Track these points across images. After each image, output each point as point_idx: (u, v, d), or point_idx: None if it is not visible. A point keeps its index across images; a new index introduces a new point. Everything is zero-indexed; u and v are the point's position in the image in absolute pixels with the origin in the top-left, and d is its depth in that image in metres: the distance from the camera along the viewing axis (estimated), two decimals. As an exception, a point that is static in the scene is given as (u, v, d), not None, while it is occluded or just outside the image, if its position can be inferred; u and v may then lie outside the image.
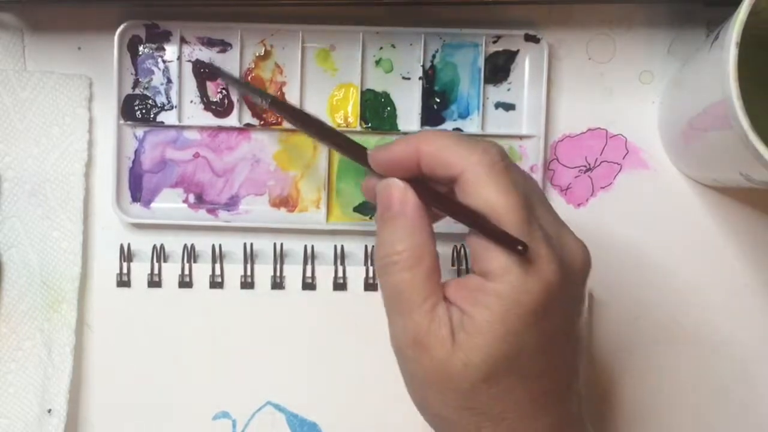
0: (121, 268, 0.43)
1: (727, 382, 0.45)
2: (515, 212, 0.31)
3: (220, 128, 0.45)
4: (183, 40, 0.44)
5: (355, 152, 0.36)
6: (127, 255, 0.43)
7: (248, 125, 0.44)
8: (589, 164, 0.45)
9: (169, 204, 0.45)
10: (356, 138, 0.44)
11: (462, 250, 0.43)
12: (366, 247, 0.44)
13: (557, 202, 0.45)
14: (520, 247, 0.30)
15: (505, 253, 0.30)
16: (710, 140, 0.39)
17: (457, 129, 0.45)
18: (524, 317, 0.30)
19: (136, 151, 0.44)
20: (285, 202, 0.45)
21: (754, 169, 0.36)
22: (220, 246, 0.44)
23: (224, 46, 0.44)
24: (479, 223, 0.31)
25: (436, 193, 0.33)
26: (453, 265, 0.43)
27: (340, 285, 0.43)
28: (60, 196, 0.44)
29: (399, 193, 0.33)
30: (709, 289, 0.45)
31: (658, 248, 0.45)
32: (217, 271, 0.43)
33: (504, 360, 0.30)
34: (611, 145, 0.45)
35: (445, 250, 0.44)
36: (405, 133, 0.44)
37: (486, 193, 0.31)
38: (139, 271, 0.43)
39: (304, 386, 0.44)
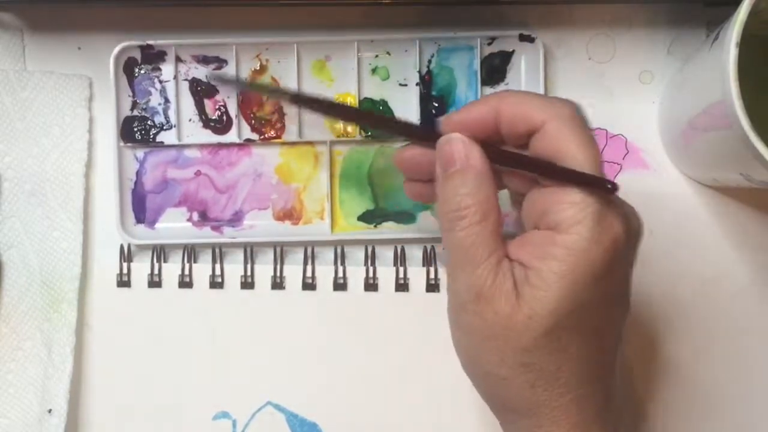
0: (121, 268, 0.43)
1: (728, 382, 0.45)
2: (595, 165, 0.31)
3: (220, 145, 0.45)
4: (178, 59, 0.44)
5: (401, 127, 0.36)
6: (127, 255, 0.44)
7: (248, 140, 0.44)
8: (589, 164, 0.45)
9: (174, 223, 0.45)
10: (356, 147, 0.44)
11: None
12: (366, 248, 0.44)
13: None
14: (609, 186, 0.30)
15: (576, 205, 0.30)
16: (710, 140, 0.39)
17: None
18: (591, 270, 0.30)
19: (137, 173, 0.44)
20: (289, 214, 0.45)
21: (754, 169, 0.36)
22: (220, 246, 0.44)
23: (220, 62, 0.44)
24: (557, 170, 0.31)
25: (502, 150, 0.33)
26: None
27: (340, 285, 0.43)
28: (60, 196, 0.44)
29: (463, 147, 0.33)
30: (709, 290, 0.45)
31: (658, 248, 0.45)
32: (217, 271, 0.43)
33: (567, 314, 0.31)
34: (611, 145, 0.45)
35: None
36: (406, 140, 0.44)
37: (567, 143, 0.31)
38: (139, 271, 0.43)
39: (304, 386, 0.44)
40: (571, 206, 0.31)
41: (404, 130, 0.36)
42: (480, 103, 0.34)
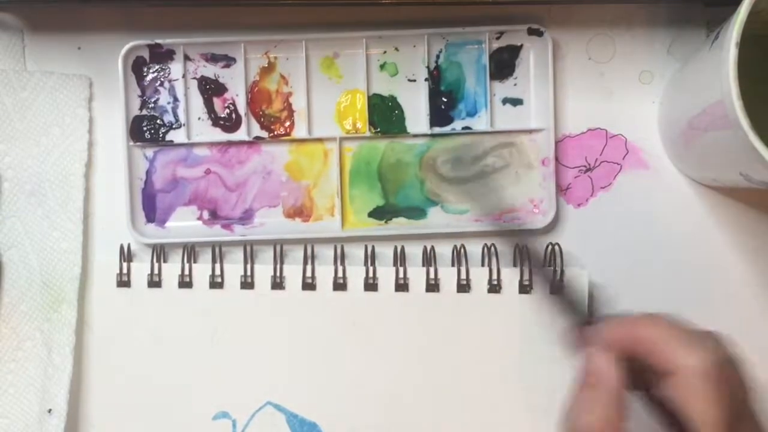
0: (121, 268, 0.43)
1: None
2: (718, 429, 0.31)
3: (230, 143, 0.45)
4: (187, 58, 0.44)
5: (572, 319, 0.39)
6: (127, 255, 0.43)
7: (257, 138, 0.44)
8: (589, 164, 0.45)
9: (184, 222, 0.45)
10: (367, 143, 0.45)
11: (462, 249, 0.43)
12: (366, 247, 0.44)
13: (557, 202, 0.45)
14: None
15: None
16: (710, 140, 0.39)
17: (467, 127, 0.45)
18: None
19: (147, 172, 0.44)
20: (299, 212, 0.45)
21: (754, 169, 0.36)
22: (220, 246, 0.43)
23: (228, 61, 0.44)
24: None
25: (642, 386, 0.34)
26: (453, 264, 0.43)
27: (340, 285, 0.43)
28: (60, 196, 0.44)
29: (607, 367, 0.34)
30: (709, 289, 0.45)
31: (658, 248, 0.45)
32: (217, 271, 0.43)
33: None
34: (611, 145, 0.45)
35: (445, 249, 0.44)
36: (415, 136, 0.45)
37: (694, 402, 0.31)
38: (139, 271, 0.43)
39: (304, 386, 0.44)
40: None
41: (573, 328, 0.38)
42: (619, 326, 0.35)
